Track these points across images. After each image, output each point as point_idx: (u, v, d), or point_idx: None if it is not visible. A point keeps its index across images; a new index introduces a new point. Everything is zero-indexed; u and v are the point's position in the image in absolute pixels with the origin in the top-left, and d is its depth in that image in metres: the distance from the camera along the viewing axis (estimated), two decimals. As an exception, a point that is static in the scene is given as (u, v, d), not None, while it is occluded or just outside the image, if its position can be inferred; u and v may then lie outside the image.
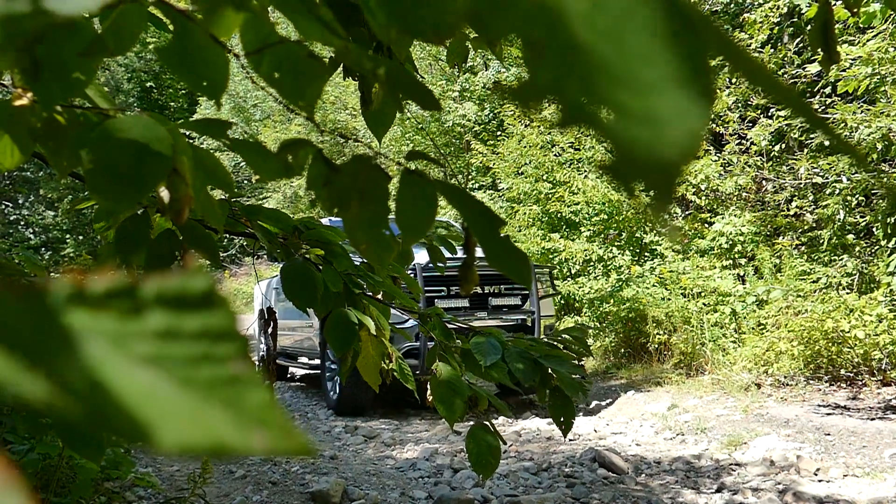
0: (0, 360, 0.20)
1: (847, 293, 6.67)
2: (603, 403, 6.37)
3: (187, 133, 0.77)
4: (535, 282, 5.98)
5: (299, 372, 8.80)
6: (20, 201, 22.30)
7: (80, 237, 22.12)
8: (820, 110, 7.27)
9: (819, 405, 5.62)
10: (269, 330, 1.68)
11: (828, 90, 7.16)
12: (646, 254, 9.04)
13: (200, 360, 0.22)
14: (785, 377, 6.29)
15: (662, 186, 0.21)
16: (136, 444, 0.20)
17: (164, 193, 0.70)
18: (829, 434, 4.73)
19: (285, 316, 6.79)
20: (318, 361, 6.51)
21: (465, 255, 0.67)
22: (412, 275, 4.71)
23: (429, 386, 1.47)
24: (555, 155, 9.82)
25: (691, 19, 0.22)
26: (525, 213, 9.50)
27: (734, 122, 8.48)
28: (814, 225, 8.17)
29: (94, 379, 0.20)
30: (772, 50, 8.08)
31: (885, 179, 6.35)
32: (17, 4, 0.24)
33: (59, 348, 0.20)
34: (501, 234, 0.61)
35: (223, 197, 1.15)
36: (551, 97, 0.21)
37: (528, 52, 0.22)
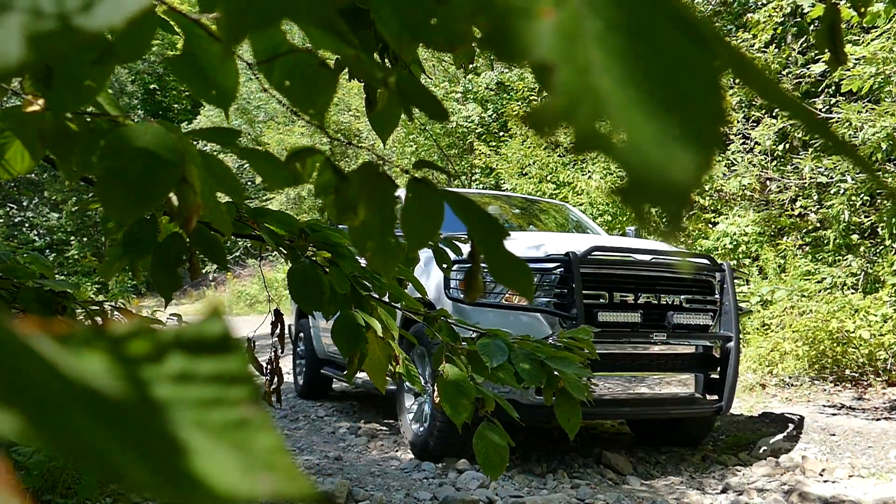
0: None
1: (852, 293, 6.66)
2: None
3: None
4: (733, 292, 4.27)
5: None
6: (25, 203, 22.35)
7: (85, 239, 22.16)
8: (824, 110, 7.26)
9: (824, 405, 5.61)
10: (276, 332, 1.69)
11: (832, 90, 7.15)
12: (650, 254, 9.03)
13: (213, 404, 0.22)
14: (790, 377, 6.28)
15: (674, 209, 0.21)
16: (142, 488, 0.20)
17: (174, 200, 0.70)
18: (834, 434, 4.72)
19: None
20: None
21: (470, 264, 0.67)
22: (559, 269, 3.82)
23: (436, 387, 1.48)
24: (559, 156, 9.82)
25: (704, 38, 0.23)
26: (529, 214, 9.50)
27: (738, 121, 8.46)
28: (818, 225, 8.15)
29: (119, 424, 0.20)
30: (776, 50, 8.06)
31: (890, 180, 6.33)
32: (45, 23, 0.24)
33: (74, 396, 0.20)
34: (505, 246, 0.61)
35: (230, 199, 1.15)
36: (565, 123, 0.22)
37: (541, 76, 0.23)
